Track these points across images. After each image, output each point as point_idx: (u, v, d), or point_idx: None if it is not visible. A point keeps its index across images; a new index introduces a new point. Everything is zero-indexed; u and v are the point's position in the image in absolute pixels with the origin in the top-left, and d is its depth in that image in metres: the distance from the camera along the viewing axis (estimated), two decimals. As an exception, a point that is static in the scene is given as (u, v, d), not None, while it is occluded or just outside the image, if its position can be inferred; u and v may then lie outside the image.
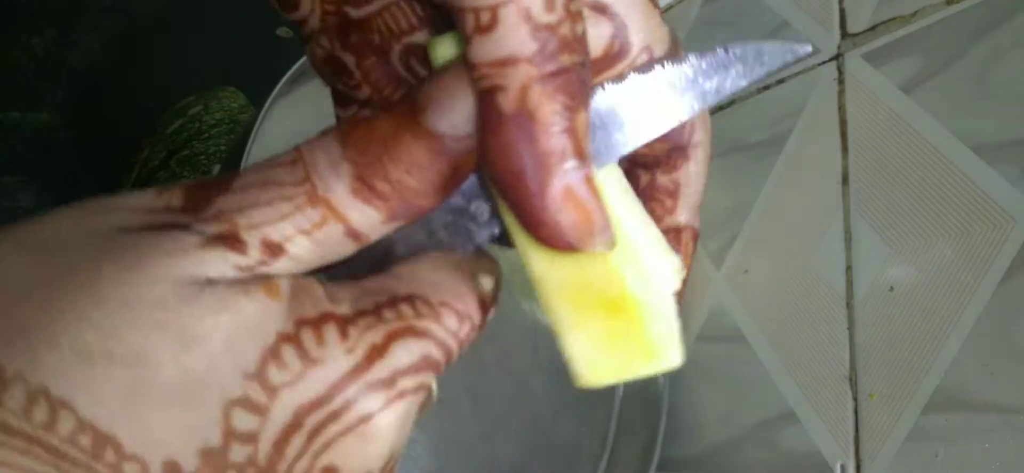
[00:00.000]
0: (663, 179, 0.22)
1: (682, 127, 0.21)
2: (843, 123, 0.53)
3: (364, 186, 0.16)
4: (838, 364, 0.50)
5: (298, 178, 0.16)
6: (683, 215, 0.23)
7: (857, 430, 0.49)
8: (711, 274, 0.61)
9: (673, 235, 0.22)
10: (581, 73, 0.16)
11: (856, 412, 0.49)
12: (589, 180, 0.16)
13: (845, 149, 0.52)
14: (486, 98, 0.16)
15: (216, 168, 0.55)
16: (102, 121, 0.58)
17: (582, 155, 0.16)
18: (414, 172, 0.16)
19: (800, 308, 0.54)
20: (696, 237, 0.23)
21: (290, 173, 0.16)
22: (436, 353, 0.17)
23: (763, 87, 0.60)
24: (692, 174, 0.22)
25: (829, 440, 0.50)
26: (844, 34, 0.54)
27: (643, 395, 0.63)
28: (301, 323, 0.16)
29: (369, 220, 0.16)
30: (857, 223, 0.51)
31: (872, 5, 0.52)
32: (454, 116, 0.16)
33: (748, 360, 0.57)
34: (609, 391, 0.65)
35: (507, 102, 0.16)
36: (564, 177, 0.16)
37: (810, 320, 0.53)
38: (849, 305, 0.50)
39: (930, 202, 0.46)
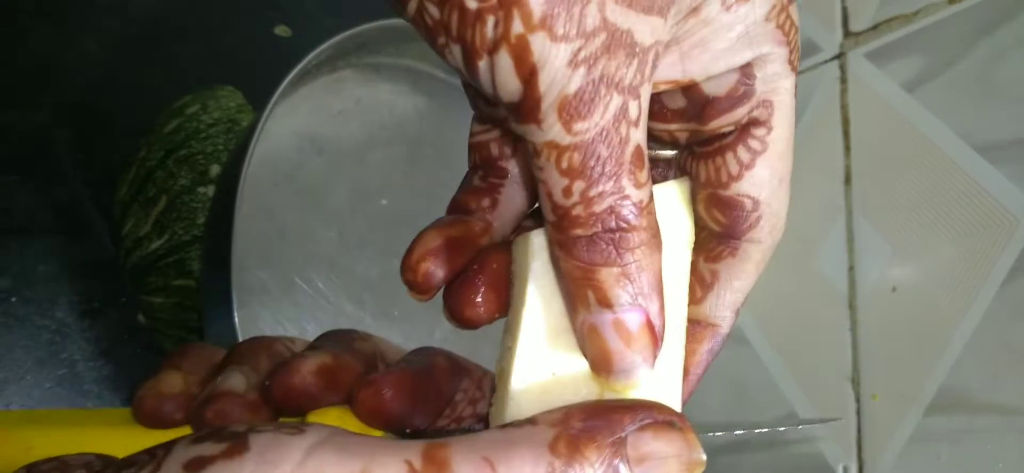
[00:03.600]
0: (703, 265, 0.22)
1: (743, 213, 0.21)
2: (846, 123, 0.52)
3: None
4: (841, 365, 0.50)
5: None
6: (708, 310, 0.22)
7: (859, 431, 0.48)
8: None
9: (690, 327, 0.22)
10: (600, 240, 0.18)
11: (859, 413, 0.49)
12: (617, 323, 0.18)
13: (848, 149, 0.52)
14: None
15: (214, 168, 0.55)
16: (99, 121, 0.58)
17: (604, 304, 0.18)
18: None
19: (802, 309, 0.54)
20: (718, 340, 0.22)
21: None
22: None
23: (764, 86, 0.60)
24: (735, 272, 0.22)
25: (831, 442, 0.50)
26: (846, 33, 0.53)
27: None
28: None
29: None
30: (860, 223, 0.50)
31: (874, 4, 0.51)
32: None
33: (750, 361, 0.57)
34: (609, 392, 0.65)
35: (550, 245, 0.19)
36: (586, 315, 0.19)
37: (812, 321, 0.53)
38: (852, 306, 0.50)
39: (933, 202, 0.46)
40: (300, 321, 0.53)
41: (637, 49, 0.17)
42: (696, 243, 0.22)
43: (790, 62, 0.20)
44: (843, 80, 0.53)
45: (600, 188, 0.18)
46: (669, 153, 0.23)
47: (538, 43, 0.16)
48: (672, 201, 0.21)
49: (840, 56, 0.54)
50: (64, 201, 0.56)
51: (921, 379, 0.45)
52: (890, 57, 0.50)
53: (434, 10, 0.17)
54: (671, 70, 0.20)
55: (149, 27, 0.61)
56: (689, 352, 0.22)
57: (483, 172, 0.23)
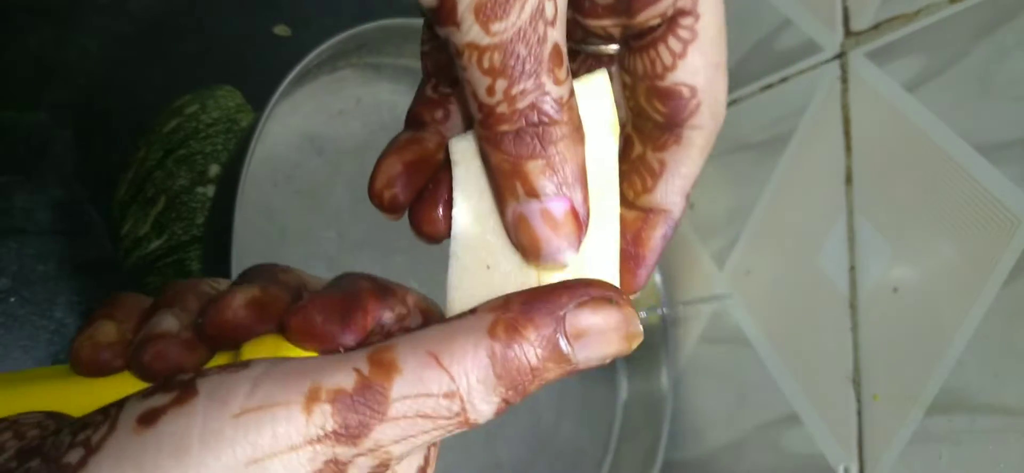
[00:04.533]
0: (651, 156, 0.23)
1: (682, 101, 0.22)
2: (846, 122, 0.52)
3: (505, 405, 0.18)
4: (842, 366, 0.50)
5: (455, 411, 0.18)
6: (659, 197, 0.23)
7: (860, 432, 0.48)
8: (714, 275, 0.61)
9: (640, 216, 0.23)
10: (525, 134, 0.19)
11: (859, 414, 0.49)
12: (544, 212, 0.20)
13: (849, 149, 0.52)
14: None
15: (214, 168, 0.55)
16: (99, 121, 0.58)
17: (531, 194, 0.20)
18: (542, 386, 0.19)
19: (803, 309, 0.53)
20: (670, 225, 0.24)
21: (447, 406, 0.18)
22: None
23: (766, 86, 0.60)
24: (681, 158, 0.23)
25: (832, 442, 0.50)
26: (847, 32, 0.53)
27: (646, 398, 0.62)
28: None
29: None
30: (861, 223, 0.50)
31: (875, 3, 0.51)
32: (600, 355, 0.19)
33: (751, 362, 0.57)
34: (612, 394, 0.65)
35: (479, 142, 0.20)
36: (515, 205, 0.20)
37: (813, 321, 0.52)
38: (853, 306, 0.50)
39: (934, 202, 0.46)
40: (300, 321, 0.53)
41: None
42: (643, 135, 0.23)
43: None
44: (844, 80, 0.53)
45: (522, 86, 0.19)
46: (611, 49, 0.24)
47: None
48: (594, 93, 0.22)
49: (841, 56, 0.53)
50: (63, 201, 0.56)
51: (922, 379, 0.45)
52: (891, 57, 0.50)
53: None
54: None
55: (148, 27, 0.61)
56: (644, 238, 0.23)
57: (435, 81, 0.25)
